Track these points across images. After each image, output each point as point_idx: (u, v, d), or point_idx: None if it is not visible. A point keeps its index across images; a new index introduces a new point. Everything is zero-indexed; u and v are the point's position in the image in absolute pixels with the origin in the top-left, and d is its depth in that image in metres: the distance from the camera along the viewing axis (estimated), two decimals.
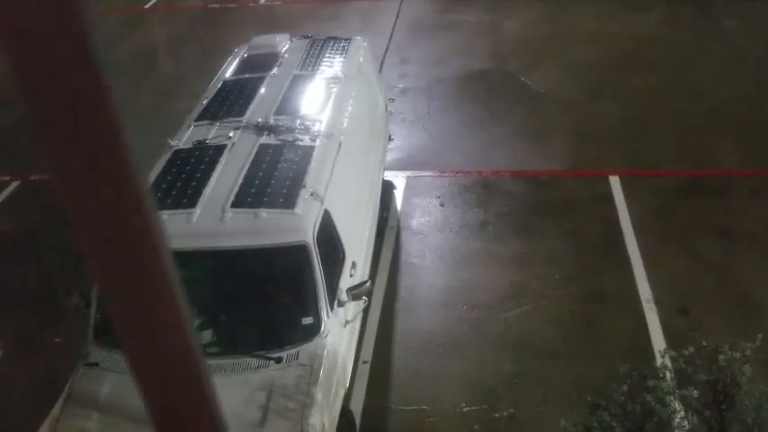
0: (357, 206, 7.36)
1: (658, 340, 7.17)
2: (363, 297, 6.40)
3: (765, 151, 10.03)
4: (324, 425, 5.35)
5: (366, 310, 7.14)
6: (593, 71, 12.56)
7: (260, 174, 6.48)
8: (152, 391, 1.00)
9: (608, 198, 9.33)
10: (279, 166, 6.59)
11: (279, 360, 5.56)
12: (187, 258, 6.14)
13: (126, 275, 0.92)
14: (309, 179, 6.42)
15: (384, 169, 9.37)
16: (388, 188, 9.56)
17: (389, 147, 10.08)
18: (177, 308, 0.96)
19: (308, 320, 5.85)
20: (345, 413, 5.97)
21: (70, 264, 7.54)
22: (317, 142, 6.97)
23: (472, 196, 9.65)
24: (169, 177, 6.60)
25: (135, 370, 0.99)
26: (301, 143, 6.94)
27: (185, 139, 7.20)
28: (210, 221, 6.02)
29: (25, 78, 0.83)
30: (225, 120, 7.40)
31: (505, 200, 9.52)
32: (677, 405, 4.76)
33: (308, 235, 5.96)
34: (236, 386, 5.40)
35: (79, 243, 0.92)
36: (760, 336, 4.85)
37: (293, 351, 5.62)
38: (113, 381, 5.40)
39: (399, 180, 10.02)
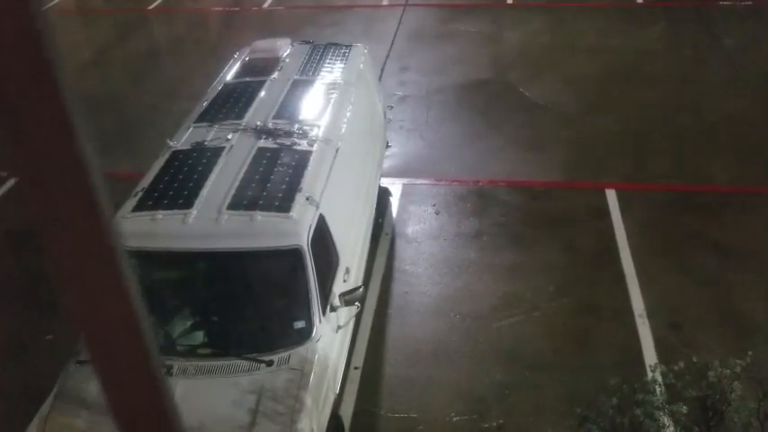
0: (352, 212, 7.37)
1: (650, 354, 7.18)
2: (356, 302, 6.41)
3: (761, 169, 10.06)
4: (313, 430, 5.34)
5: (358, 316, 7.14)
6: (592, 84, 12.60)
7: (257, 177, 6.49)
8: (111, 390, 1.02)
9: (604, 211, 9.34)
10: (276, 169, 6.60)
11: (270, 363, 5.55)
12: (181, 258, 6.17)
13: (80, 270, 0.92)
14: (305, 183, 6.43)
15: (381, 176, 9.39)
16: (384, 195, 9.58)
17: (387, 154, 10.10)
18: (132, 308, 0.96)
19: (300, 324, 5.85)
20: (334, 418, 5.96)
21: None
22: (315, 147, 6.98)
23: (468, 205, 9.66)
24: (167, 178, 6.60)
25: (97, 372, 1.01)
26: (299, 147, 6.95)
27: (184, 140, 7.21)
28: (206, 223, 6.02)
29: None
30: (224, 122, 7.41)
31: (501, 210, 9.53)
32: (666, 420, 4.77)
33: (303, 239, 5.96)
34: (226, 388, 5.41)
35: (46, 243, 0.92)
36: (750, 353, 4.86)
37: (284, 355, 5.62)
38: None
39: (396, 187, 10.04)
